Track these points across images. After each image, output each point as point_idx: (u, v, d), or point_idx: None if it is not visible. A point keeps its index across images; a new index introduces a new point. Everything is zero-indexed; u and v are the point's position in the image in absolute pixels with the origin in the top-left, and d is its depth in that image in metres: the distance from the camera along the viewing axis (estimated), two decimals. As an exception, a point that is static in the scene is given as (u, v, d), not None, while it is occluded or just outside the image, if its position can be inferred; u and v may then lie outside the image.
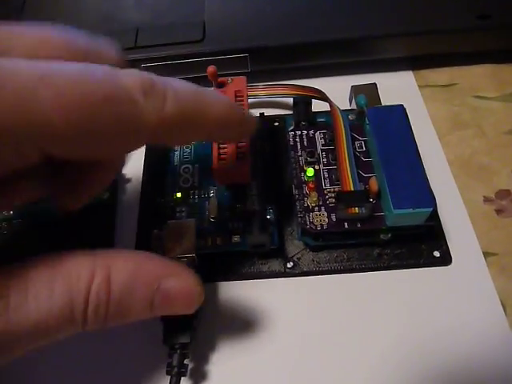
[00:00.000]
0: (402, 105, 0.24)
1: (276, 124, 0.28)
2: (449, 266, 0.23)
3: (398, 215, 0.20)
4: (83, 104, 0.12)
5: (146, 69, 0.29)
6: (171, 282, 0.16)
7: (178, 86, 0.14)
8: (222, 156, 0.22)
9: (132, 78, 0.13)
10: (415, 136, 0.27)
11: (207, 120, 0.15)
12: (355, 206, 0.21)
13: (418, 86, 0.30)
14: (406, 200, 0.20)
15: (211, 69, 0.24)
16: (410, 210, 0.20)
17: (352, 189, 0.21)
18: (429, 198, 0.21)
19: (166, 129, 0.14)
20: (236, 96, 0.24)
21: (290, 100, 0.27)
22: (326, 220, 0.22)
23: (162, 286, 0.15)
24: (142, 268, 0.15)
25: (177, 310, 0.16)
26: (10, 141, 0.11)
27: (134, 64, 0.29)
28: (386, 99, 0.28)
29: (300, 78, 0.30)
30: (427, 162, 0.26)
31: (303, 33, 0.29)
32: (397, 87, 0.30)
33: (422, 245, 0.24)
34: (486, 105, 0.29)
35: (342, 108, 0.27)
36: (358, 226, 0.22)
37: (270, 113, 0.29)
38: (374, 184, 0.21)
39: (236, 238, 0.23)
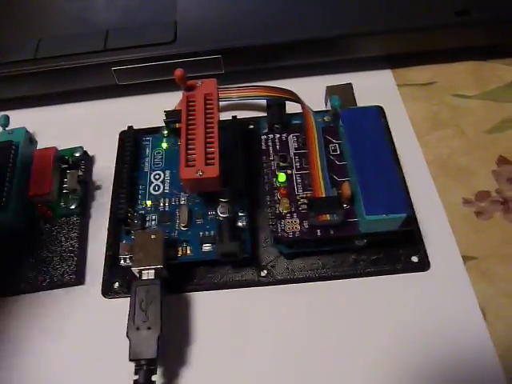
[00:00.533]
0: (376, 106, 0.23)
1: (251, 127, 0.28)
2: (427, 271, 0.23)
3: (371, 221, 0.20)
4: None
5: (117, 72, 0.28)
6: None
7: None
8: (189, 163, 0.21)
9: None
10: (393, 136, 0.27)
11: None
12: (327, 213, 0.20)
13: (397, 84, 0.29)
14: (379, 206, 0.20)
15: (178, 72, 0.23)
16: (384, 216, 0.19)
17: (324, 195, 0.21)
18: (403, 204, 0.20)
19: None
20: (206, 99, 0.23)
21: (265, 102, 0.27)
22: (298, 227, 0.21)
23: None
24: None
25: None
26: None
27: (103, 68, 0.28)
28: (365, 99, 0.27)
29: (276, 79, 0.29)
30: (406, 163, 0.26)
31: (277, 33, 0.28)
32: (375, 86, 0.29)
33: (400, 250, 0.23)
34: (466, 103, 0.28)
35: (318, 109, 0.26)
36: (331, 232, 0.21)
37: (245, 115, 0.28)
38: (346, 189, 0.21)
39: (207, 247, 0.22)
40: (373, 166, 0.21)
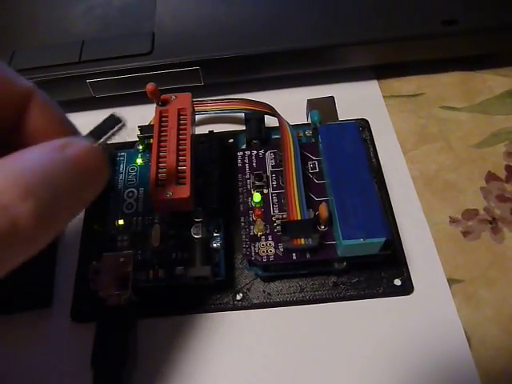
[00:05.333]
0: (356, 121, 0.22)
1: (231, 141, 0.27)
2: (410, 295, 0.22)
3: (349, 246, 0.19)
4: None
5: (92, 84, 0.27)
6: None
7: None
8: (159, 182, 0.20)
9: None
10: (379, 151, 0.26)
11: None
12: (301, 237, 0.19)
13: (383, 96, 0.28)
14: (356, 229, 0.19)
15: (150, 87, 0.22)
16: (361, 241, 0.18)
17: (299, 217, 0.19)
18: (382, 227, 0.19)
19: None
20: (179, 114, 0.22)
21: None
22: (273, 250, 0.20)
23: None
24: None
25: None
26: None
27: (78, 80, 0.27)
28: (349, 111, 0.26)
29: (258, 91, 0.29)
30: (390, 179, 0.25)
31: (258, 43, 0.27)
32: (361, 98, 0.28)
33: (382, 272, 0.22)
34: (454, 116, 0.27)
35: (300, 123, 0.25)
36: (308, 256, 0.20)
37: (226, 128, 0.27)
38: (323, 211, 0.20)
39: (180, 270, 0.21)
40: (351, 186, 0.20)
